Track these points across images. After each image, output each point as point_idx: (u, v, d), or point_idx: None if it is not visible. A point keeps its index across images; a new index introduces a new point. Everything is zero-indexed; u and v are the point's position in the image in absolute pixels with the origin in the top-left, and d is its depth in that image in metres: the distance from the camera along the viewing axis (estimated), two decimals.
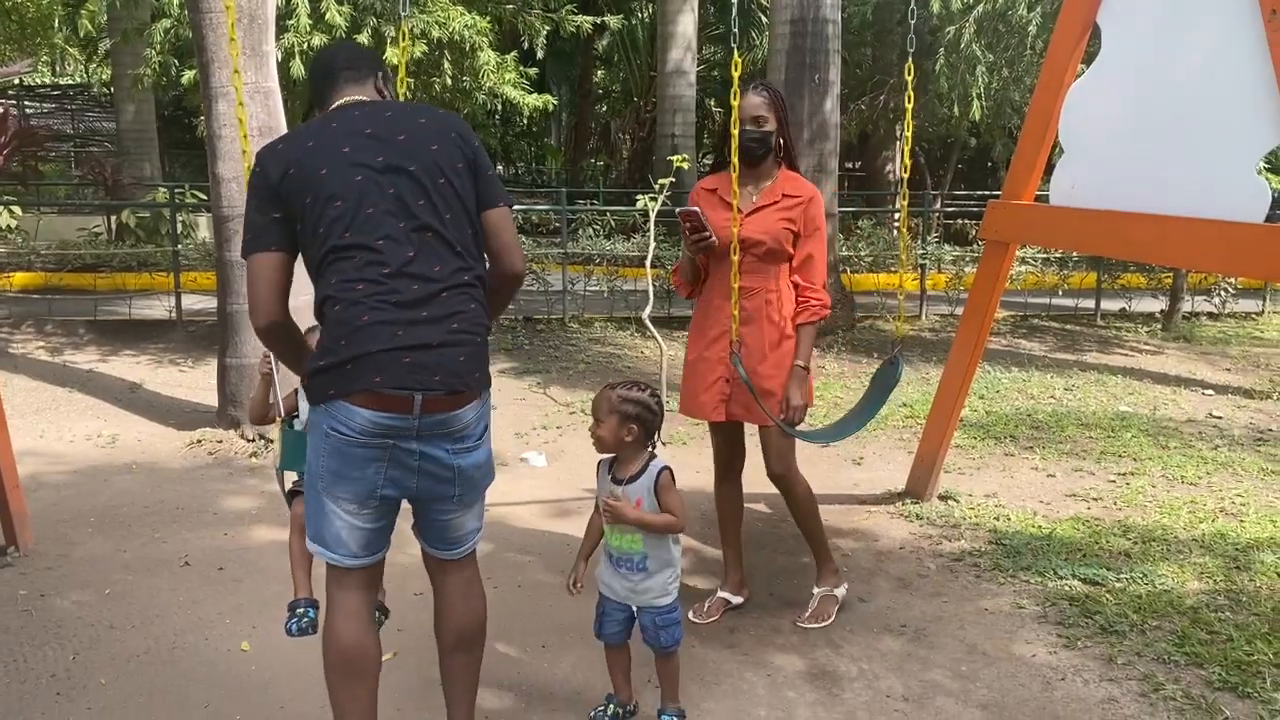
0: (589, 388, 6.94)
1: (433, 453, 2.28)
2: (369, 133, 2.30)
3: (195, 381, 7.04)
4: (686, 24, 14.27)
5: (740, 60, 3.52)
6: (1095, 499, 4.80)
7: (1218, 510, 4.62)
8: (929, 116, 13.94)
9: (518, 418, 6.21)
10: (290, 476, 2.96)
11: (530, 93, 10.63)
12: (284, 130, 5.33)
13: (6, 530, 4.01)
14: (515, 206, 12.03)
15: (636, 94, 20.26)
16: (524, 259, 2.45)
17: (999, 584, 3.85)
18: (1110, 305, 10.18)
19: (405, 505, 2.44)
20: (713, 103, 19.72)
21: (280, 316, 2.29)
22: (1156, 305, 10.02)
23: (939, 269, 10.21)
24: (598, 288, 9.64)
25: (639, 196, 7.09)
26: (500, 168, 22.41)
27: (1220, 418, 6.36)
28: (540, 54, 13.20)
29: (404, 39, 3.47)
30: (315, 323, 2.37)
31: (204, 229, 11.83)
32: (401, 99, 2.96)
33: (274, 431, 3.74)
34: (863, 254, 10.32)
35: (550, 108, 11.32)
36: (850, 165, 18.62)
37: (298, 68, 8.77)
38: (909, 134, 3.98)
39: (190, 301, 9.04)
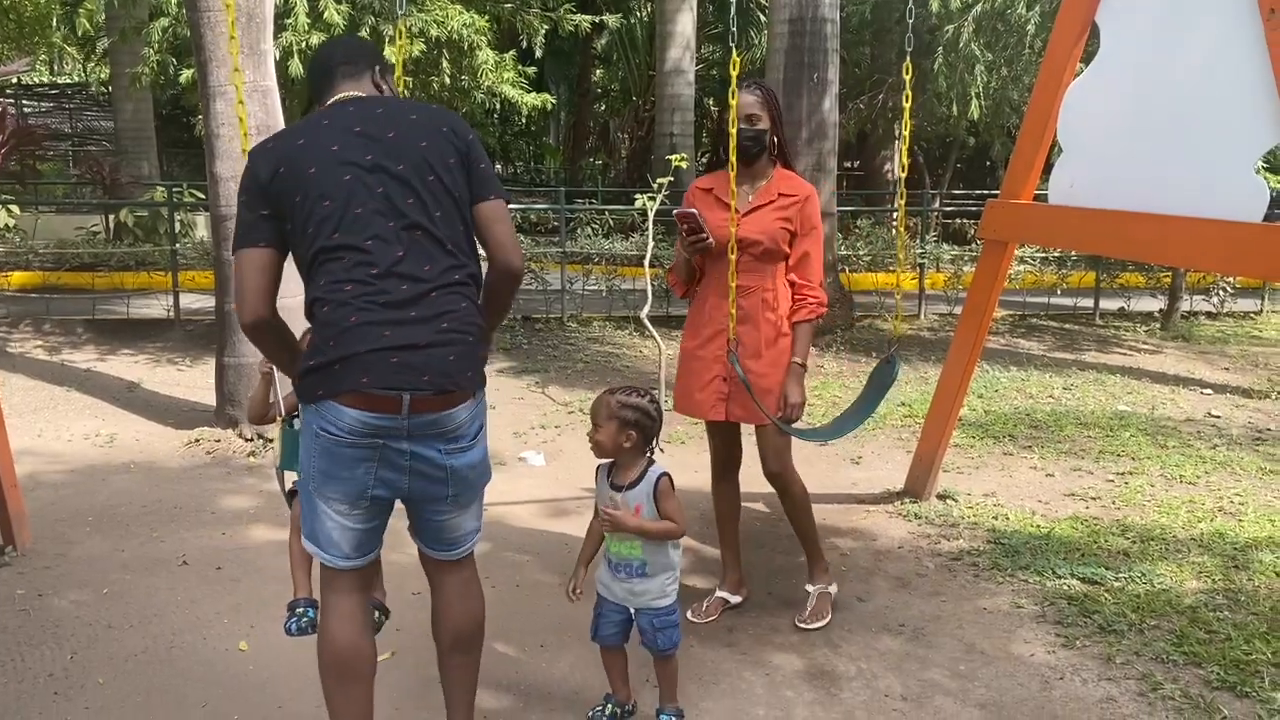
0: (587, 387, 6.94)
1: (425, 453, 2.26)
2: (359, 130, 2.28)
3: (193, 381, 7.04)
4: (685, 23, 14.27)
5: (739, 59, 3.52)
6: (1094, 498, 4.80)
7: (1216, 509, 4.63)
8: (928, 115, 13.92)
9: (516, 417, 6.21)
10: (290, 476, 2.96)
11: (529, 92, 10.62)
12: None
13: (4, 530, 4.01)
14: (514, 205, 11.96)
15: (635, 93, 20.25)
16: (521, 255, 2.40)
17: (997, 583, 3.85)
18: (1109, 304, 10.18)
19: (400, 506, 2.43)
20: (711, 102, 19.71)
21: (266, 313, 2.27)
22: (1155, 304, 10.02)
23: (938, 268, 10.21)
24: (596, 287, 9.63)
25: (637, 195, 7.08)
26: (499, 167, 22.38)
27: (1219, 417, 6.37)
28: (539, 53, 13.18)
29: (401, 37, 3.47)
30: (309, 324, 2.36)
31: (202, 228, 11.82)
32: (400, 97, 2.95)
33: (272, 431, 3.72)
34: (861, 253, 10.32)
35: (549, 107, 11.32)
36: (849, 164, 18.61)
37: (296, 66, 8.76)
38: (907, 133, 3.98)
39: (188, 300, 9.03)
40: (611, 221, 10.22)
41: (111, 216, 11.75)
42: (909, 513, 4.59)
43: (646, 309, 6.74)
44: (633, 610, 2.77)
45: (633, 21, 19.27)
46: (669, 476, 2.73)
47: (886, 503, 4.76)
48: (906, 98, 3.87)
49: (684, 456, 5.36)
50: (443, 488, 2.33)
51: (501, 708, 2.95)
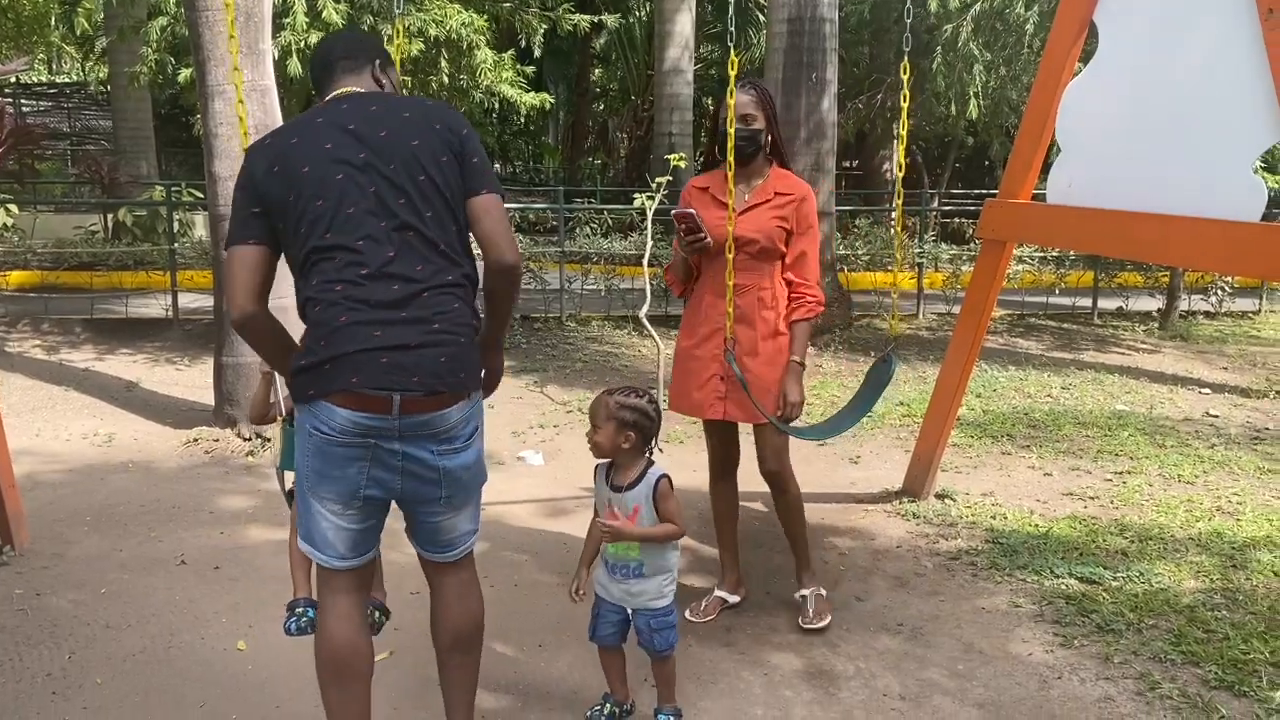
0: (586, 386, 6.94)
1: (417, 454, 2.26)
2: (352, 129, 2.26)
3: (192, 380, 7.03)
4: (684, 23, 14.26)
5: (737, 59, 3.52)
6: (1092, 498, 4.80)
7: (1214, 509, 4.63)
8: (926, 115, 13.93)
9: (515, 416, 6.21)
10: (289, 476, 2.95)
11: (527, 91, 10.61)
12: None
13: (2, 530, 4.00)
14: (512, 205, 11.95)
15: (634, 92, 20.26)
16: (516, 249, 2.34)
17: (996, 583, 3.86)
18: (1107, 304, 10.19)
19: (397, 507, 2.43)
20: (710, 101, 19.71)
21: (254, 310, 2.25)
22: (1153, 304, 10.03)
23: (936, 267, 10.21)
24: (595, 286, 9.63)
25: (636, 195, 7.08)
26: (498, 166, 22.39)
27: (1217, 416, 6.37)
28: (538, 52, 13.17)
29: (399, 36, 3.47)
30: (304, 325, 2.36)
31: (200, 227, 11.81)
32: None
33: (271, 431, 3.72)
34: (860, 253, 10.32)
35: (547, 106, 11.32)
36: (848, 164, 18.62)
37: (295, 66, 8.76)
38: (904, 133, 3.98)
39: (187, 300, 9.03)
40: (610, 221, 10.21)
41: (110, 216, 11.74)
42: (907, 512, 4.59)
43: (645, 308, 6.74)
44: (630, 611, 2.77)
45: (631, 21, 19.28)
46: (668, 478, 2.73)
47: (885, 502, 4.76)
48: (904, 97, 3.87)
49: (682, 456, 5.36)
50: (435, 489, 2.32)
51: (500, 707, 2.95)
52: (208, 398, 6.08)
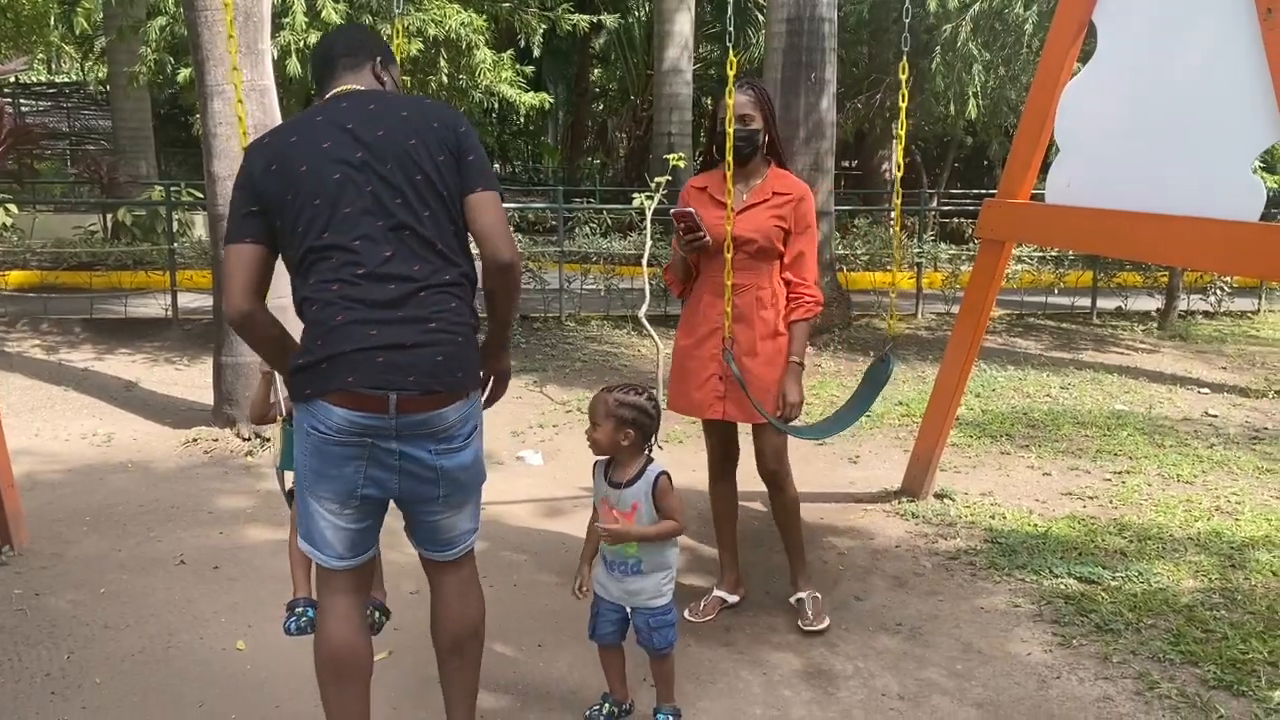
0: (585, 386, 6.94)
1: (414, 453, 2.25)
2: (350, 128, 2.26)
3: (191, 380, 7.03)
4: (683, 23, 14.26)
5: (736, 59, 3.52)
6: (1091, 497, 4.80)
7: (1213, 508, 4.63)
8: (925, 115, 13.93)
9: (514, 416, 6.21)
10: (290, 476, 2.95)
11: (527, 91, 10.61)
12: None
13: (1, 530, 4.00)
14: (512, 204, 11.89)
15: (633, 92, 20.25)
16: (513, 246, 2.31)
17: (994, 582, 3.86)
18: (1106, 304, 10.20)
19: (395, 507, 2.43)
20: (709, 101, 19.71)
21: (250, 308, 2.25)
22: (1152, 304, 10.04)
23: (935, 267, 10.22)
24: (594, 286, 9.63)
25: (635, 195, 7.08)
26: (497, 166, 22.37)
27: (1216, 416, 6.37)
28: (537, 52, 13.17)
29: (399, 36, 3.46)
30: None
31: (200, 227, 11.81)
32: None
33: (270, 430, 3.71)
34: (859, 252, 10.33)
35: (547, 106, 11.31)
36: (847, 164, 18.62)
37: (294, 65, 8.75)
38: (903, 132, 3.98)
39: (186, 300, 9.03)
40: (609, 220, 10.22)
41: (109, 216, 11.73)
42: (906, 512, 4.59)
43: (644, 308, 6.74)
44: (629, 609, 2.77)
45: (631, 21, 19.28)
46: (668, 474, 2.73)
47: (884, 502, 4.76)
48: (903, 97, 3.87)
49: (681, 455, 5.36)
50: (433, 488, 2.32)
51: (499, 707, 2.95)
52: (207, 397, 6.08)
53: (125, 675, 3.10)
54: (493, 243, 2.28)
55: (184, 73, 9.47)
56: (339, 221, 2.21)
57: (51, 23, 16.54)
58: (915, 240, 10.26)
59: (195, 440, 5.59)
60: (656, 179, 6.66)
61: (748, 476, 3.68)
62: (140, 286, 9.73)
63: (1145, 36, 3.57)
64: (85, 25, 16.50)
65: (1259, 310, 10.48)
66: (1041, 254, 10.11)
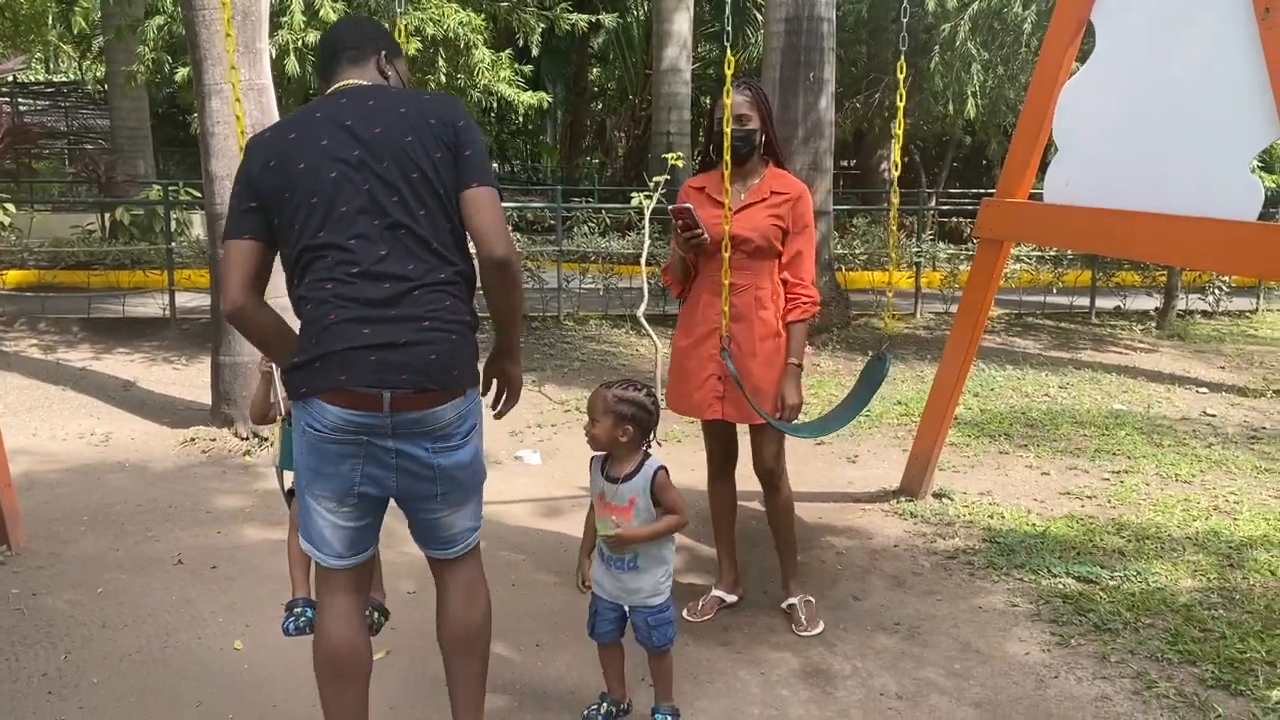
0: (584, 385, 6.94)
1: (411, 451, 2.25)
2: (348, 124, 2.25)
3: (189, 379, 7.02)
4: (682, 22, 14.26)
5: (735, 59, 3.51)
6: (1089, 497, 4.80)
7: (1211, 508, 4.63)
8: (924, 115, 13.93)
9: (512, 415, 6.10)
10: (290, 475, 2.95)
11: (525, 90, 10.60)
12: None
13: None
14: (510, 204, 11.87)
15: (632, 92, 20.25)
16: (509, 244, 2.27)
17: (993, 582, 3.86)
18: (1105, 303, 10.20)
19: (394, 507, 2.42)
20: (708, 100, 19.70)
21: (245, 303, 2.25)
22: (1151, 303, 10.04)
23: (934, 267, 10.22)
24: (593, 285, 9.63)
25: (634, 194, 7.08)
26: (496, 165, 22.36)
27: (1214, 416, 6.38)
28: (535, 51, 13.17)
29: (399, 36, 3.46)
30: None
31: (198, 226, 11.79)
32: None
33: (269, 430, 3.70)
34: (857, 252, 10.33)
35: (545, 105, 11.31)
36: (845, 163, 18.64)
37: (292, 65, 8.75)
38: (900, 132, 3.98)
39: (184, 299, 9.02)
40: (608, 220, 10.22)
41: (107, 215, 11.71)
42: (905, 511, 4.59)
43: (643, 307, 6.73)
44: (627, 608, 2.77)
45: (629, 20, 19.27)
46: (665, 469, 2.72)
47: (882, 501, 4.76)
48: (900, 96, 3.87)
49: (680, 455, 5.36)
50: (431, 486, 2.31)
51: (497, 707, 2.94)
52: (205, 397, 6.07)
53: (123, 675, 3.10)
54: (487, 240, 2.24)
55: (182, 72, 9.47)
56: (335, 220, 2.21)
57: (49, 22, 16.55)
58: (914, 240, 10.26)
59: (193, 440, 5.59)
60: (655, 178, 6.66)
61: (748, 477, 3.68)
62: (138, 286, 9.73)
63: (1144, 35, 3.57)
64: (83, 24, 16.50)
65: (1257, 310, 10.49)
66: (1040, 253, 10.11)
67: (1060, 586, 3.78)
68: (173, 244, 9.16)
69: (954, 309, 7.64)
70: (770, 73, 8.53)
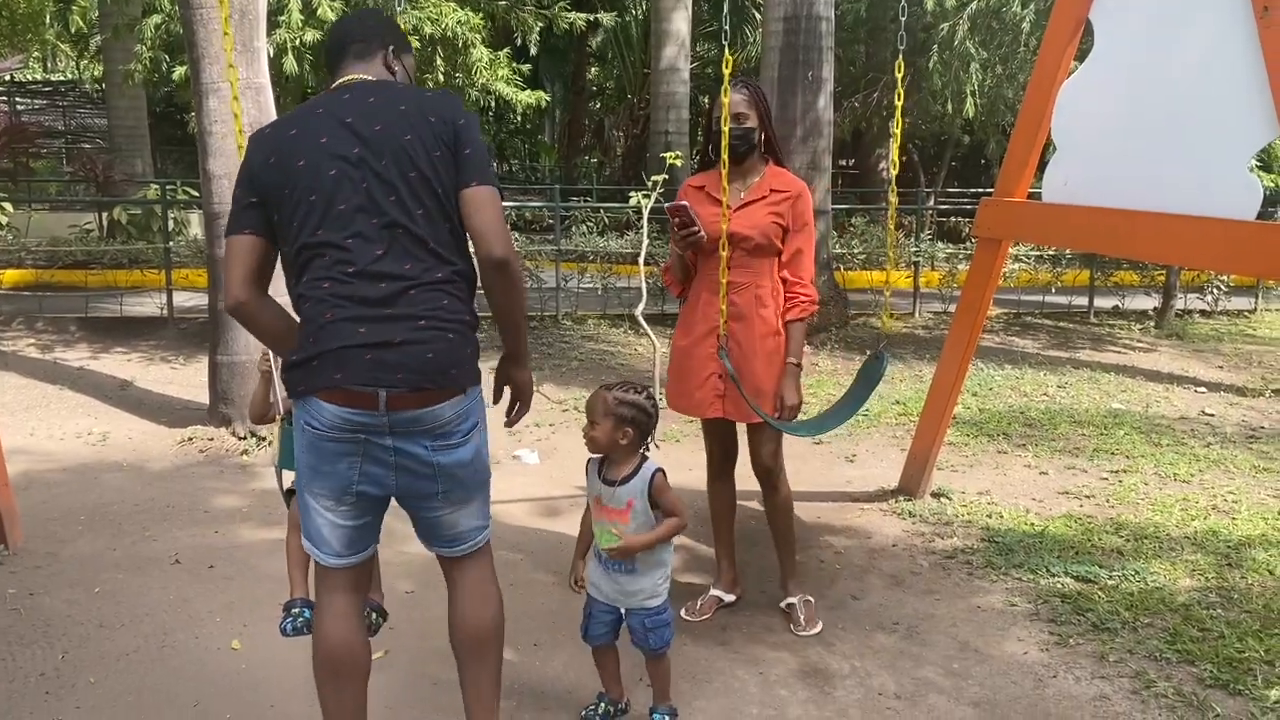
0: (582, 385, 6.93)
1: (410, 449, 2.24)
2: (349, 122, 2.24)
3: (186, 379, 7.02)
4: (680, 21, 14.26)
5: (733, 58, 3.51)
6: (1088, 496, 4.80)
7: (1210, 508, 4.63)
8: (922, 114, 13.93)
9: None
10: (289, 475, 2.94)
11: (523, 89, 10.60)
12: None
13: None
14: (509, 203, 11.83)
15: (630, 91, 20.24)
16: (507, 243, 2.25)
17: (991, 581, 3.86)
18: (1103, 303, 10.20)
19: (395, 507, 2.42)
20: (706, 99, 19.69)
21: (245, 298, 2.25)
22: (1149, 303, 10.05)
23: (932, 266, 10.22)
24: (591, 285, 9.63)
25: (632, 193, 7.08)
26: (494, 165, 22.30)
27: (1213, 415, 6.38)
28: (533, 50, 13.16)
29: None
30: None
31: (196, 226, 11.78)
32: None
33: (267, 430, 3.70)
34: (856, 251, 10.33)
35: (543, 105, 11.30)
36: (844, 163, 18.63)
37: (290, 64, 8.74)
38: (898, 131, 3.98)
39: (182, 299, 9.01)
40: (606, 219, 10.22)
41: (105, 214, 11.71)
42: (903, 511, 4.59)
43: (641, 307, 6.73)
44: (624, 610, 2.76)
45: (628, 19, 19.26)
46: (663, 471, 2.72)
47: (881, 501, 4.76)
48: (898, 95, 3.87)
49: (679, 455, 5.36)
50: (431, 484, 2.30)
51: None
52: (202, 396, 6.07)
53: (120, 675, 3.09)
54: (486, 239, 2.23)
55: (179, 70, 9.46)
56: (333, 218, 2.20)
57: (47, 21, 16.53)
58: (912, 239, 10.26)
59: (190, 439, 5.58)
60: (654, 177, 6.66)
61: (747, 476, 3.68)
62: (136, 285, 9.71)
63: (1142, 35, 3.57)
64: (80, 23, 16.50)
65: (1255, 309, 10.50)
66: (1039, 253, 10.12)
67: (1059, 586, 3.78)
68: (170, 243, 9.15)
69: (952, 308, 7.64)
70: (769, 72, 8.53)
